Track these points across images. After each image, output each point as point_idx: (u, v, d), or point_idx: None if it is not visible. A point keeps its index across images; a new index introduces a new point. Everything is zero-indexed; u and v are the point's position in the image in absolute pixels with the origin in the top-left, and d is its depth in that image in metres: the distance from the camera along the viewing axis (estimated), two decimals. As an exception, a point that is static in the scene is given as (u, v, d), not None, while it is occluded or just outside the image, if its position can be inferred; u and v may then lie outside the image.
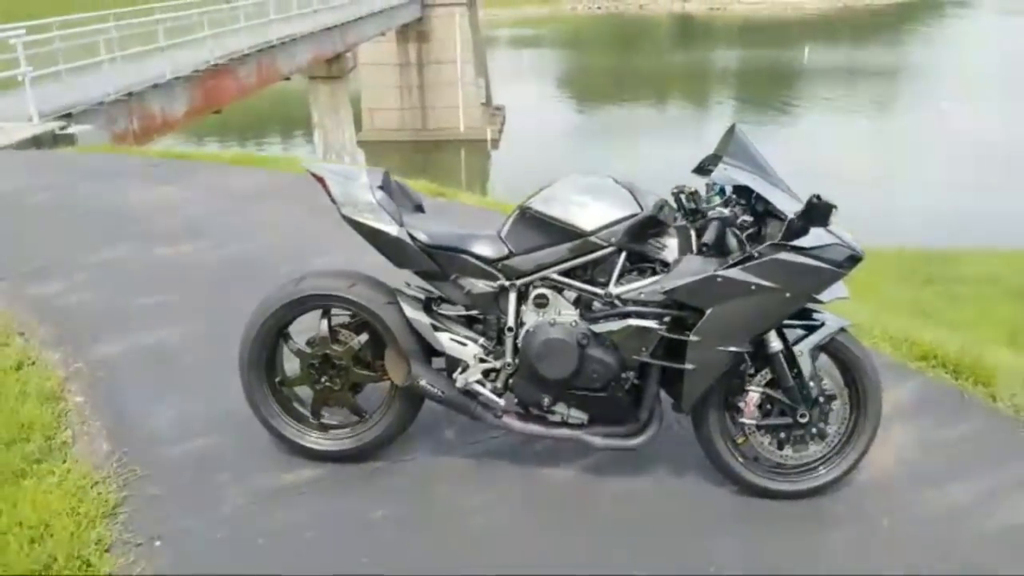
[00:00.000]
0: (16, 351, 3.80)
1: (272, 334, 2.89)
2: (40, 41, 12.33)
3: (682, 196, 2.73)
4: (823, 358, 2.77)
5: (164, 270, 4.96)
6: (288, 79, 24.31)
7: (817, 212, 2.38)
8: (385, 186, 2.82)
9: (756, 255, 2.51)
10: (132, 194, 6.81)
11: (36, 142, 10.00)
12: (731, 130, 2.70)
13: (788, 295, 2.52)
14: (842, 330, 2.73)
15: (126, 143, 12.63)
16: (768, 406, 2.74)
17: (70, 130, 10.84)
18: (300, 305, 2.86)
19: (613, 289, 2.65)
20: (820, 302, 2.60)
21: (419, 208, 2.97)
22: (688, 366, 2.59)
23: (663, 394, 2.80)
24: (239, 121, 15.50)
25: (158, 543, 2.56)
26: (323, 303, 2.87)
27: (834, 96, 46.36)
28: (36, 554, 2.46)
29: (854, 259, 2.56)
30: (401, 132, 37.87)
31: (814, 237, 2.51)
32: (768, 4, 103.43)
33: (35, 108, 10.88)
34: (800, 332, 2.69)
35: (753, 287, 2.50)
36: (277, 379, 2.97)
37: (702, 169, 2.76)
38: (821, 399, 2.73)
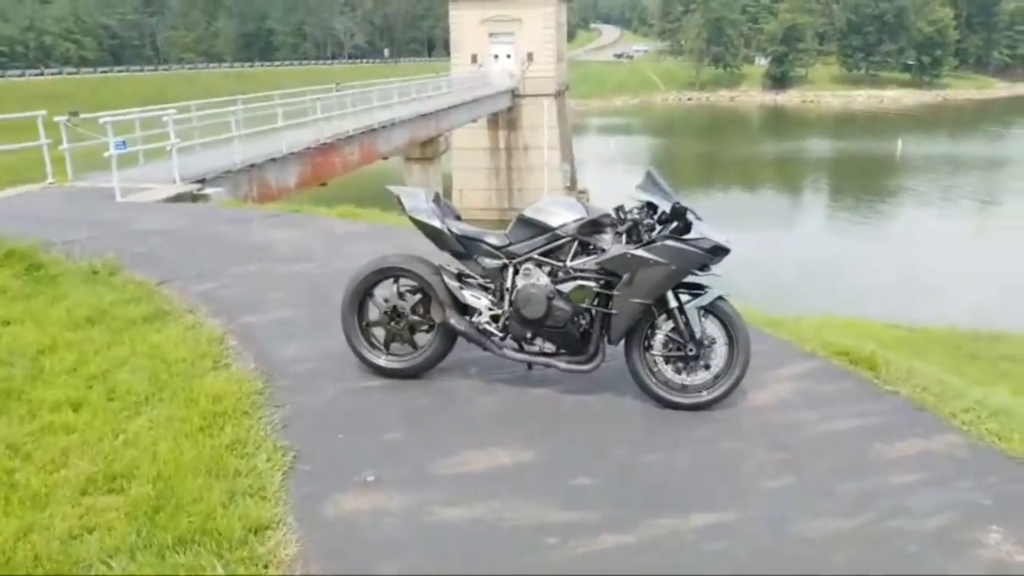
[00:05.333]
0: (190, 319, 5.63)
1: (362, 291, 4.59)
2: (183, 120, 14.93)
3: (619, 212, 4.33)
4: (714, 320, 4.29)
5: (284, 278, 6.82)
6: (386, 159, 26.99)
7: (676, 212, 3.97)
8: (436, 200, 4.53)
9: (653, 242, 4.08)
10: (258, 233, 8.82)
11: (179, 199, 12.27)
12: (647, 173, 4.30)
13: (673, 268, 4.07)
14: (720, 298, 4.24)
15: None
16: (670, 345, 4.26)
17: (204, 191, 13.13)
18: (380, 273, 4.56)
19: (569, 263, 4.26)
20: (696, 275, 4.14)
21: (457, 217, 4.66)
22: (613, 311, 4.16)
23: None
24: (341, 194, 17.86)
25: (288, 406, 4.24)
26: (394, 273, 4.56)
27: (929, 190, 47.01)
28: (215, 407, 4.16)
29: (720, 249, 4.10)
30: (487, 211, 40.41)
31: (694, 233, 4.08)
32: (864, 97, 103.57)
33: (178, 173, 13.26)
34: (690, 297, 4.23)
35: (651, 262, 4.06)
36: (364, 322, 4.65)
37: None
38: (705, 341, 4.23)
